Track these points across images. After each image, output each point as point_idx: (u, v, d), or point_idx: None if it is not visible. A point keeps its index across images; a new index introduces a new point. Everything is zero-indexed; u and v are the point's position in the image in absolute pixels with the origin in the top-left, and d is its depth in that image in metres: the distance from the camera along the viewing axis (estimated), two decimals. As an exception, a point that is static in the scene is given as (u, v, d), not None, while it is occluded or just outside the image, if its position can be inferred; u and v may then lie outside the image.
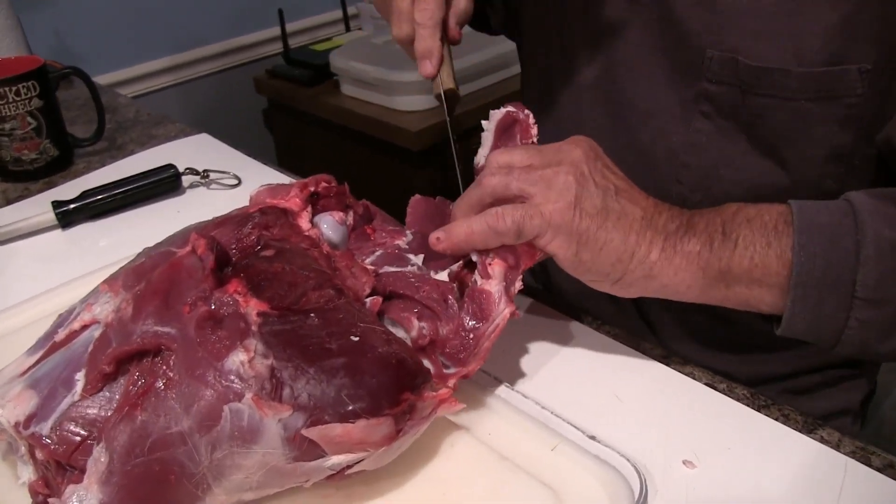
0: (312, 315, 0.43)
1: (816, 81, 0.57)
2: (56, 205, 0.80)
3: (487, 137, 0.58)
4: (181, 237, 0.49)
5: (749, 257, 0.49)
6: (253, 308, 0.43)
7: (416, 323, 0.50)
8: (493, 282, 0.50)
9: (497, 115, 0.57)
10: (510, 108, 0.57)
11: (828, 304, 0.48)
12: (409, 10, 0.59)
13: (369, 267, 0.51)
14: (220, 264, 0.45)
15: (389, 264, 0.53)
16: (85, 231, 0.80)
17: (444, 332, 0.50)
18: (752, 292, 0.50)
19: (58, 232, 0.80)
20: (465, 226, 0.51)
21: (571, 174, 0.50)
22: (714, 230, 0.51)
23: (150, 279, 0.45)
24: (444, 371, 0.49)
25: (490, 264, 0.50)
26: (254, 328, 0.42)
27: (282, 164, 0.94)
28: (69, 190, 0.86)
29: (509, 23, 0.87)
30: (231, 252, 0.47)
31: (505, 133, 0.58)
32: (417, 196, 0.62)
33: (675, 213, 0.52)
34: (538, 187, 0.50)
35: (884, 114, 0.57)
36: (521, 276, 0.51)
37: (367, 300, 0.49)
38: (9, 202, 0.87)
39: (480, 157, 0.57)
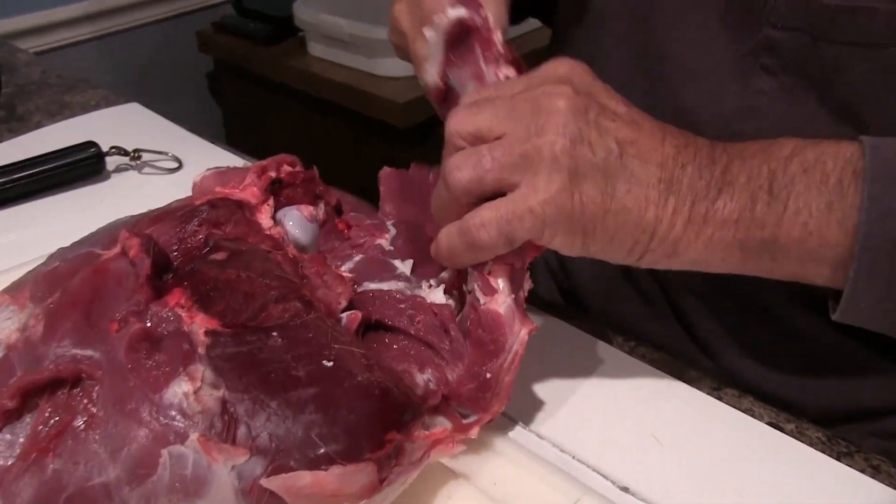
0: (274, 334, 0.43)
1: None
2: (-65, 192, 0.80)
3: (435, 53, 0.55)
4: (107, 235, 0.49)
5: (802, 223, 0.49)
6: (199, 325, 0.43)
7: (419, 377, 0.50)
8: (500, 297, 0.50)
9: (443, 22, 0.54)
10: (461, 12, 0.53)
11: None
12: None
13: (346, 274, 0.52)
14: (158, 270, 0.45)
15: (371, 274, 0.54)
16: (-24, 226, 0.80)
17: (454, 377, 0.50)
18: (804, 269, 0.51)
19: (-60, 227, 0.80)
20: (445, 242, 0.51)
21: (559, 143, 0.48)
22: (758, 186, 0.50)
23: (68, 289, 0.45)
24: (464, 422, 0.50)
25: (490, 274, 0.50)
26: (201, 351, 0.42)
27: (231, 143, 0.94)
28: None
29: None
30: (172, 255, 0.47)
31: (459, 47, 0.55)
32: (387, 169, 0.62)
33: (704, 162, 0.51)
34: (520, 173, 0.49)
35: None
36: (528, 273, 0.52)
37: (343, 315, 0.49)
38: None
39: (430, 75, 0.56)
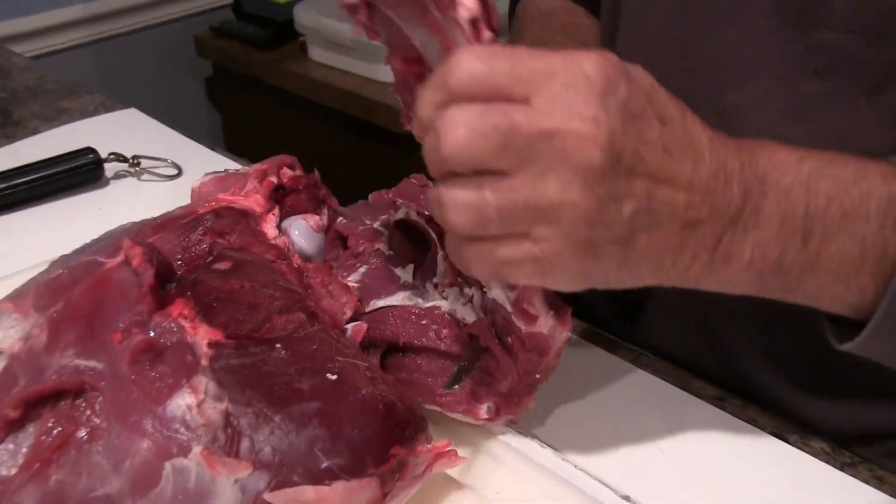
0: (278, 346, 0.44)
1: None
2: (-69, 199, 0.80)
3: None
4: (109, 243, 0.49)
5: (831, 272, 0.48)
6: (203, 337, 0.43)
7: (481, 409, 0.51)
8: (541, 320, 0.50)
9: None
10: None
11: None
12: None
13: (352, 285, 0.52)
14: (161, 280, 0.46)
15: (378, 288, 0.54)
16: (-25, 233, 0.81)
17: (505, 388, 0.51)
18: (819, 304, 0.50)
19: (-65, 234, 0.80)
20: (459, 256, 0.46)
21: (582, 207, 0.41)
22: (791, 233, 0.47)
23: (70, 298, 0.46)
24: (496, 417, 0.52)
25: (528, 305, 0.50)
26: (204, 363, 0.42)
27: (231, 149, 0.94)
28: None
29: None
30: (176, 264, 0.48)
31: None
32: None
33: (735, 196, 0.46)
34: (528, 225, 0.43)
35: None
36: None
37: (349, 326, 0.50)
38: None
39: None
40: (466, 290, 0.55)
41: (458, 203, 0.42)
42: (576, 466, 0.51)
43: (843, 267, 0.48)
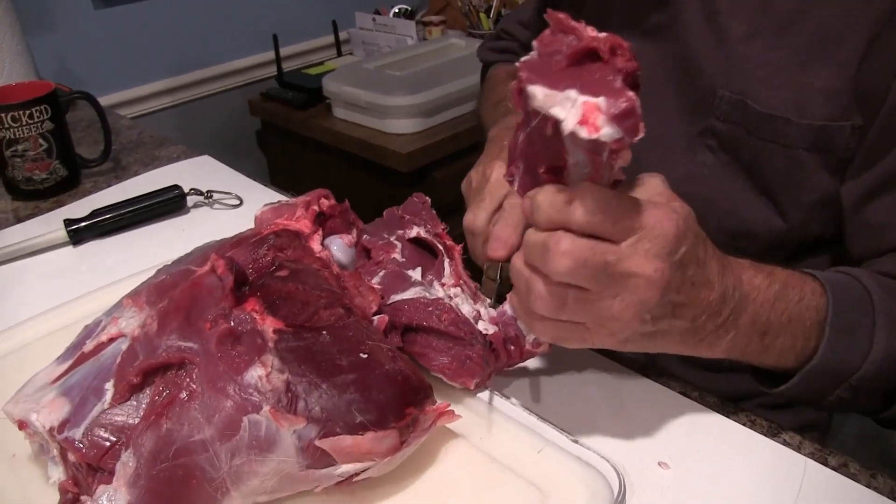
0: (324, 332, 0.44)
1: (814, 134, 0.59)
2: (68, 223, 0.81)
3: (533, 59, 0.39)
4: (199, 257, 0.50)
5: (775, 357, 0.51)
6: (269, 325, 0.44)
7: (472, 381, 0.52)
8: (542, 348, 0.53)
9: (559, 40, 0.38)
10: (590, 33, 0.36)
11: (823, 386, 0.52)
12: (500, 197, 0.59)
13: (376, 287, 0.52)
14: (238, 284, 0.46)
15: (395, 286, 0.55)
16: (94, 248, 0.81)
17: (489, 371, 0.53)
18: (771, 366, 0.53)
19: (69, 249, 0.81)
20: (529, 323, 0.46)
21: (632, 311, 0.42)
22: (755, 332, 0.49)
23: (173, 296, 0.46)
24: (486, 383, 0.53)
25: (541, 344, 0.53)
26: (270, 344, 0.43)
27: (275, 184, 0.95)
28: (77, 209, 0.87)
29: None
30: (248, 272, 0.48)
31: (578, 68, 0.37)
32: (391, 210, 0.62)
33: (722, 315, 0.47)
34: (589, 316, 0.43)
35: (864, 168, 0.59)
36: None
37: (375, 318, 0.50)
38: (20, 220, 0.88)
39: (538, 93, 0.37)
40: (469, 296, 0.57)
41: (546, 294, 0.42)
42: (539, 418, 0.51)
43: (784, 350, 0.51)
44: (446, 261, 0.57)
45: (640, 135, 0.37)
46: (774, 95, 0.60)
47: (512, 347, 0.54)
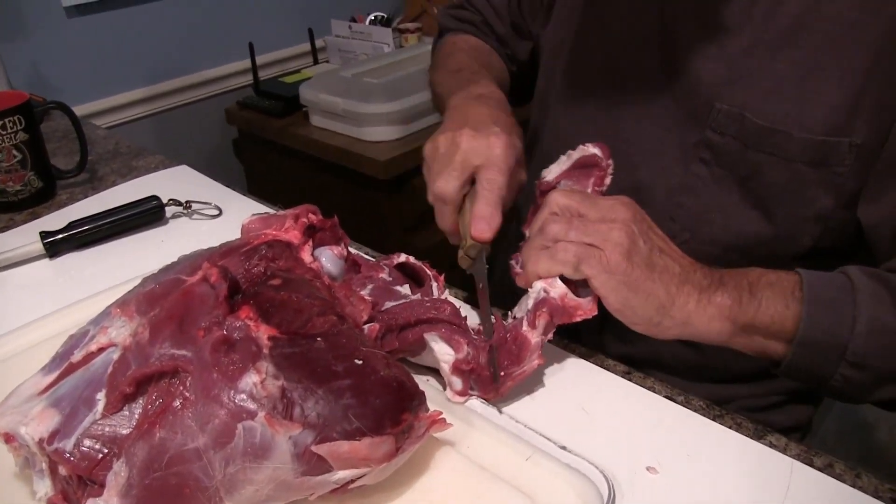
0: (319, 339, 0.45)
1: (814, 148, 0.60)
2: (44, 235, 0.80)
3: (563, 163, 0.62)
4: (188, 265, 0.50)
5: (770, 315, 0.55)
6: (263, 332, 0.44)
7: (465, 348, 0.53)
8: (536, 332, 0.54)
9: (583, 151, 0.61)
10: (597, 153, 0.60)
11: (821, 360, 0.54)
12: (471, 166, 0.60)
13: (367, 297, 0.53)
14: (230, 292, 0.47)
15: (385, 296, 0.56)
16: (72, 260, 0.81)
17: (482, 361, 0.53)
18: (767, 343, 0.56)
19: (45, 261, 0.80)
20: (533, 258, 0.56)
21: (624, 230, 0.53)
22: (742, 289, 0.56)
23: (164, 305, 0.47)
24: (469, 391, 0.54)
25: (539, 315, 0.54)
26: (265, 351, 0.43)
27: (252, 192, 0.95)
28: (53, 221, 0.87)
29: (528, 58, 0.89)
30: (240, 281, 0.49)
31: (580, 169, 0.61)
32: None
33: (707, 271, 0.56)
34: (595, 237, 0.54)
35: (861, 188, 0.61)
36: (553, 330, 0.56)
37: (366, 326, 0.51)
38: (-7, 232, 0.87)
39: (548, 175, 0.62)
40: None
41: (559, 222, 0.55)
42: (526, 426, 0.52)
43: (777, 314, 0.55)
44: (434, 284, 0.59)
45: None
46: (775, 108, 0.61)
47: (506, 362, 0.55)
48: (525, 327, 0.54)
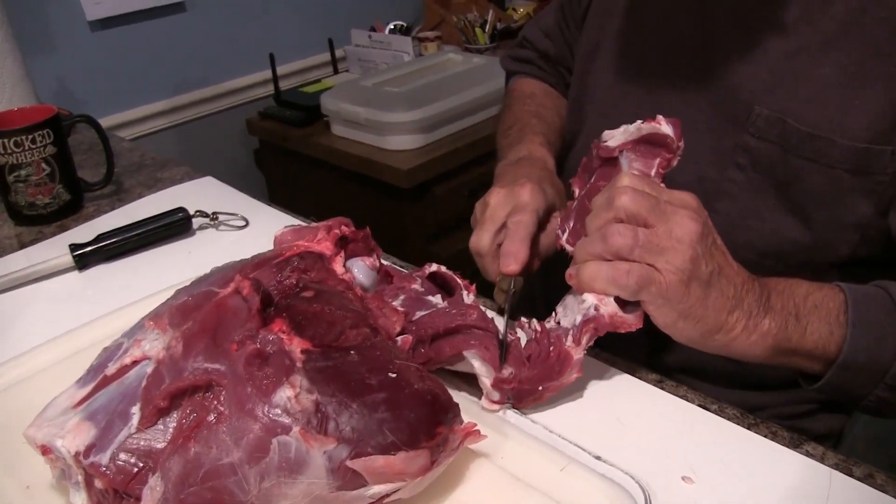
0: (352, 352, 0.44)
1: (857, 156, 0.59)
2: (73, 248, 0.81)
3: (630, 134, 0.57)
4: (220, 278, 0.50)
5: (814, 340, 0.55)
6: (297, 346, 0.44)
7: (506, 370, 0.53)
8: (579, 350, 0.54)
9: (655, 128, 0.56)
10: (669, 133, 0.56)
11: (860, 382, 0.54)
12: (500, 218, 0.63)
13: (399, 308, 0.53)
14: (263, 304, 0.46)
15: (417, 306, 0.56)
16: (101, 272, 0.81)
17: (524, 376, 0.54)
18: (806, 363, 0.56)
19: (74, 274, 0.81)
20: (592, 270, 0.53)
21: (689, 255, 0.51)
22: (788, 313, 0.55)
23: (197, 318, 0.47)
24: (506, 400, 0.54)
25: (585, 331, 0.54)
26: (298, 365, 0.43)
27: (273, 202, 0.95)
28: (81, 233, 0.88)
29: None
30: (272, 293, 0.48)
31: (646, 145, 0.57)
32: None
33: (758, 293, 0.55)
34: (659, 260, 0.52)
35: None
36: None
37: (399, 338, 0.51)
38: (23, 246, 0.88)
39: (611, 140, 0.58)
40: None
41: (623, 231, 0.52)
42: (560, 436, 0.52)
43: (821, 338, 0.55)
44: (464, 293, 0.59)
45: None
46: (818, 114, 0.60)
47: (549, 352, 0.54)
48: (570, 343, 0.54)
